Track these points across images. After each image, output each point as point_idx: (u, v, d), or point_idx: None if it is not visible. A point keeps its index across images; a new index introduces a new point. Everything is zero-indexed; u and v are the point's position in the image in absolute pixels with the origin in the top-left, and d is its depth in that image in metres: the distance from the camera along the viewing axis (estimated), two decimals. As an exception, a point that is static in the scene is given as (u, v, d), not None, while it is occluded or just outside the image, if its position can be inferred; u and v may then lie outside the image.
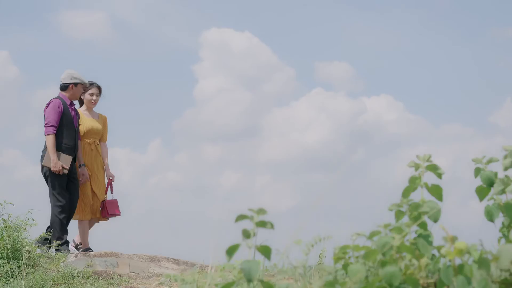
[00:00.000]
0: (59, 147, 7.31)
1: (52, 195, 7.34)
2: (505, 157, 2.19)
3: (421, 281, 2.03)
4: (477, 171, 2.18)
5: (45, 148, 7.36)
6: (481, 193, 2.26)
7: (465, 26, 16.45)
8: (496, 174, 2.20)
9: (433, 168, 2.19)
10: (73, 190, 7.45)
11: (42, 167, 7.38)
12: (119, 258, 6.51)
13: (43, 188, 7.49)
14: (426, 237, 2.07)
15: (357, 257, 2.12)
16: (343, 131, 16.67)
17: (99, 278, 5.89)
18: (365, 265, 2.07)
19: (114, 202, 7.82)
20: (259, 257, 2.04)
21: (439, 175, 2.19)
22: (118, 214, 7.78)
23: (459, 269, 1.87)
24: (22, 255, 6.08)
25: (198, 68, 16.56)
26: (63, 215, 7.30)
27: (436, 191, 2.18)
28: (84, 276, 5.89)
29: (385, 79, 17.06)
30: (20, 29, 15.59)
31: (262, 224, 2.04)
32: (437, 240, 2.12)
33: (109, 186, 7.87)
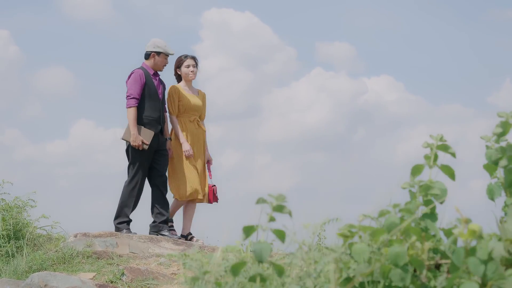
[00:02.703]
0: (141, 120, 6.83)
1: (129, 169, 6.89)
2: (497, 126, 2.16)
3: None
4: (488, 148, 2.16)
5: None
6: (490, 169, 2.24)
7: (464, 8, 16.36)
8: (503, 148, 2.17)
9: (445, 148, 2.19)
10: (162, 164, 6.97)
11: (126, 142, 6.90)
12: (118, 238, 6.50)
13: (43, 168, 7.36)
14: (432, 217, 2.06)
15: (361, 237, 2.10)
16: (343, 111, 16.65)
17: (98, 258, 5.89)
18: (369, 246, 2.05)
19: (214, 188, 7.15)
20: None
21: (453, 154, 2.20)
22: (211, 203, 7.12)
23: (471, 251, 1.85)
24: (22, 236, 6.08)
25: (198, 48, 16.43)
26: (133, 195, 6.85)
27: (449, 171, 2.18)
28: (83, 256, 5.89)
29: (386, 60, 17.00)
30: (21, 9, 15.47)
31: (279, 208, 2.03)
32: (440, 222, 2.10)
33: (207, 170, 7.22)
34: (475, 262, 1.85)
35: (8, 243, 5.95)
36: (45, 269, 5.52)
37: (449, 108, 16.61)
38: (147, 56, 7.04)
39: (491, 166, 2.23)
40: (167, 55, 7.04)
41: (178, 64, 7.22)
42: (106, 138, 15.49)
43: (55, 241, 6.48)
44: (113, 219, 6.96)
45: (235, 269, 1.97)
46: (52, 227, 6.81)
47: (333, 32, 17.14)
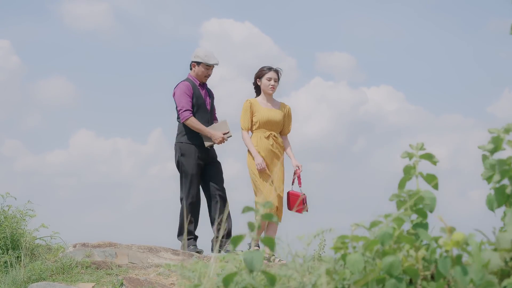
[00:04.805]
0: (189, 130, 6.73)
1: (182, 184, 6.77)
2: (489, 142, 2.14)
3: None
4: (484, 158, 2.14)
5: (177, 135, 6.79)
6: (490, 179, 2.21)
7: (464, 17, 16.42)
8: (502, 161, 2.14)
9: (428, 157, 2.17)
10: (215, 174, 6.86)
11: (177, 158, 6.78)
12: (117, 248, 6.51)
13: (43, 178, 7.33)
14: (424, 226, 2.06)
15: (355, 247, 2.11)
16: (343, 121, 16.66)
17: (97, 268, 5.89)
18: (364, 256, 2.06)
19: (297, 197, 6.62)
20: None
21: (434, 163, 2.17)
22: (300, 212, 6.63)
23: (457, 260, 1.86)
24: (21, 246, 6.08)
25: (198, 59, 16.51)
26: (193, 210, 6.68)
27: (432, 180, 2.16)
28: (82, 267, 5.89)
29: (386, 69, 17.04)
30: (21, 19, 15.54)
31: (267, 217, 2.03)
32: (432, 231, 2.11)
33: (295, 178, 6.85)
34: (459, 271, 1.85)
35: (7, 253, 5.95)
36: (44, 280, 5.52)
37: (449, 118, 16.64)
38: (190, 66, 6.93)
39: (491, 175, 2.20)
40: (208, 65, 6.86)
41: (259, 75, 6.94)
42: (107, 148, 15.52)
43: (54, 251, 6.47)
44: (176, 235, 6.84)
45: (227, 280, 1.97)
46: (51, 237, 6.81)
47: (333, 42, 17.19)
